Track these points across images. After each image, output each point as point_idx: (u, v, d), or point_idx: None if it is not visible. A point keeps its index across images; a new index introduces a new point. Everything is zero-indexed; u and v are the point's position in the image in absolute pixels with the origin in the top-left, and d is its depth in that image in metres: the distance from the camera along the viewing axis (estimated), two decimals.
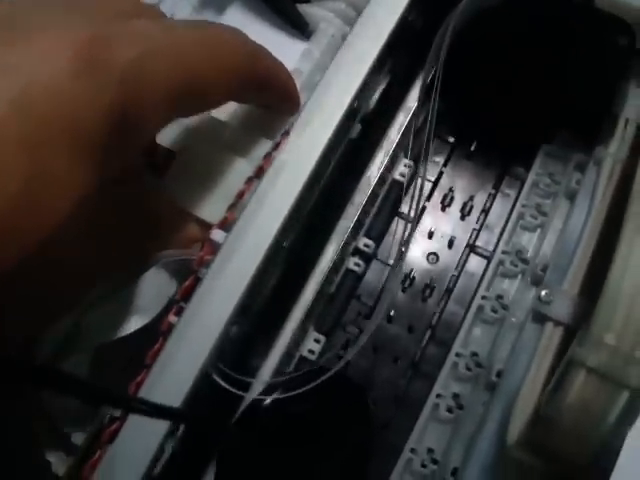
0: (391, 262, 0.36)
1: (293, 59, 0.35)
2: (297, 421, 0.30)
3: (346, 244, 0.34)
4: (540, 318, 0.32)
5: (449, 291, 0.35)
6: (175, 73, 0.21)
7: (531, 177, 0.35)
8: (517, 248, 0.34)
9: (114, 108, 0.19)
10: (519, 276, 0.34)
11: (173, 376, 0.25)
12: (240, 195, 0.28)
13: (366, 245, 0.35)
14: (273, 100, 0.29)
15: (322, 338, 0.33)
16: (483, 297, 0.34)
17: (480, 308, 0.34)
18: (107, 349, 0.28)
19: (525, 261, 0.34)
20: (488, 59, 0.35)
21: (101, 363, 0.28)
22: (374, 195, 0.35)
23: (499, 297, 0.34)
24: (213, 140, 0.29)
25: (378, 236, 0.35)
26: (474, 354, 0.33)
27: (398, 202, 0.36)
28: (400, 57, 0.34)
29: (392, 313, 0.35)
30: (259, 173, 0.28)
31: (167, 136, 0.29)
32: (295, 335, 0.32)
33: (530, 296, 0.33)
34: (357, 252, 0.35)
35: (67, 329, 0.27)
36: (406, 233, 0.35)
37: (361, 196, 0.34)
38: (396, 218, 0.36)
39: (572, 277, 0.32)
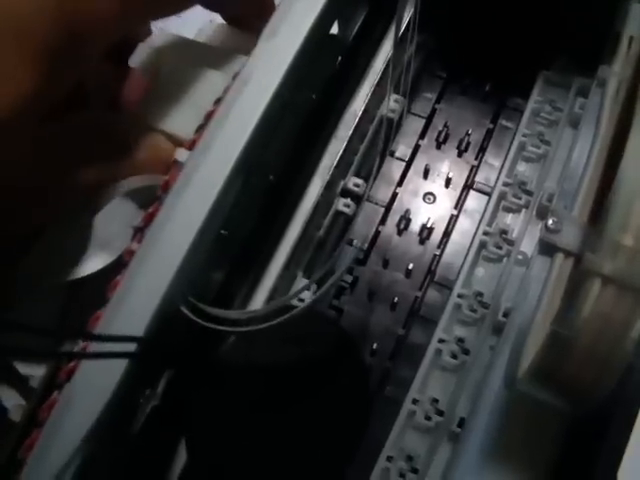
0: (385, 203, 0.33)
1: None
2: (280, 378, 0.27)
3: (332, 183, 0.31)
4: (548, 250, 0.29)
5: (448, 232, 0.33)
6: None
7: (530, 105, 0.33)
8: (520, 180, 0.31)
9: (60, 13, 0.20)
10: (523, 210, 0.31)
11: (132, 308, 0.22)
12: (208, 116, 0.26)
13: (356, 185, 0.32)
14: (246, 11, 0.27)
15: (312, 286, 0.30)
16: (485, 233, 0.31)
17: (483, 245, 0.31)
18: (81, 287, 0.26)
19: (529, 193, 0.31)
20: None
21: (76, 302, 0.26)
22: (362, 132, 0.32)
23: (503, 232, 0.31)
24: (186, 58, 0.27)
25: (369, 176, 0.32)
26: (478, 294, 0.30)
27: (389, 140, 0.33)
28: None
29: (387, 257, 0.32)
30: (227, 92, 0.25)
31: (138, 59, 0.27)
32: (280, 280, 0.29)
33: (536, 230, 0.30)
34: (347, 193, 0.32)
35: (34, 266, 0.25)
36: (399, 172, 0.33)
37: (345, 130, 0.31)
38: (388, 157, 0.34)
39: (581, 204, 0.29)
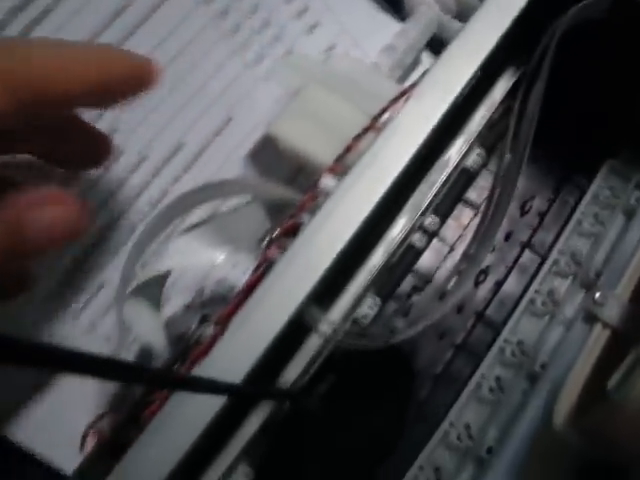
0: (450, 243, 0.37)
1: (387, 37, 0.36)
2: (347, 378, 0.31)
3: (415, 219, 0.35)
4: (590, 319, 0.34)
5: (500, 281, 0.37)
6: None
7: (593, 188, 0.37)
8: (572, 250, 0.36)
9: None
10: (570, 277, 0.36)
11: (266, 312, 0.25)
12: (348, 149, 0.29)
13: (432, 223, 0.36)
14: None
15: (378, 305, 0.34)
16: (536, 291, 0.35)
17: (532, 301, 0.35)
18: None
19: (579, 264, 0.36)
20: (576, 67, 0.37)
21: None
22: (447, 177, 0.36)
23: (550, 293, 0.35)
24: (332, 88, 0.30)
25: (442, 216, 0.36)
26: (520, 342, 0.34)
27: (466, 188, 0.37)
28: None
29: (443, 291, 0.36)
30: (370, 130, 0.29)
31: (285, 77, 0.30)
32: (355, 300, 0.33)
33: (579, 298, 0.35)
34: (421, 228, 0.36)
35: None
36: (467, 218, 0.37)
37: (436, 175, 0.35)
38: (460, 203, 0.37)
39: (625, 284, 0.34)
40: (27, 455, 0.32)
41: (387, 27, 0.37)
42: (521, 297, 0.35)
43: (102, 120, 0.32)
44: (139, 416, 0.24)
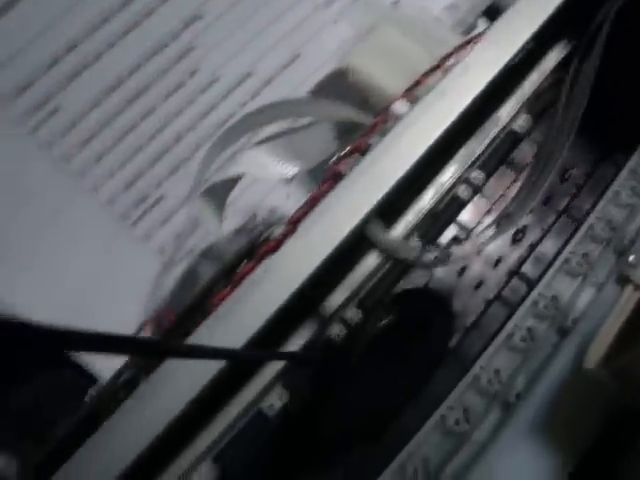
0: (493, 200, 0.38)
1: None
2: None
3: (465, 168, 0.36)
4: (622, 281, 0.35)
5: (536, 242, 0.38)
6: None
7: (630, 164, 0.39)
8: (608, 218, 0.37)
9: None
10: (604, 242, 0.37)
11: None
12: (417, 83, 0.30)
13: (477, 178, 0.37)
14: None
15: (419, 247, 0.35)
16: (571, 252, 0.37)
17: (566, 261, 0.36)
18: None
19: (614, 230, 0.37)
20: (627, 46, 0.38)
21: None
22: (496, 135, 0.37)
23: (585, 255, 0.37)
24: (403, 30, 0.31)
25: (487, 174, 0.37)
26: (554, 297, 0.36)
27: (511, 150, 0.38)
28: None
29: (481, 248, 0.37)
30: (438, 69, 0.30)
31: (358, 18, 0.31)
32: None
33: (611, 262, 0.36)
34: (467, 181, 0.37)
35: None
36: (510, 181, 0.38)
37: (486, 132, 0.37)
38: (504, 165, 0.39)
39: None
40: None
41: None
42: (556, 257, 0.37)
43: (179, 39, 0.33)
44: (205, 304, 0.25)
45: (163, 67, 0.32)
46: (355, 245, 0.28)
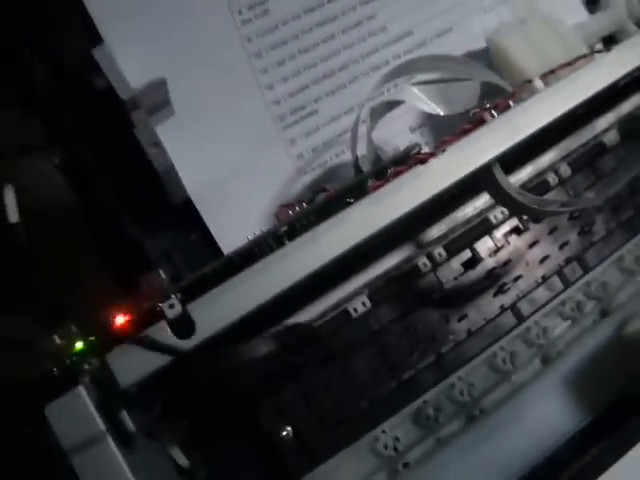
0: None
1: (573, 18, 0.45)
2: None
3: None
4: None
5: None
6: None
7: None
8: None
9: None
10: None
11: None
12: (551, 72, 0.37)
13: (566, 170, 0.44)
14: None
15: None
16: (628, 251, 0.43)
17: (621, 257, 0.43)
18: None
19: None
20: None
21: None
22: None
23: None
24: (550, 26, 0.38)
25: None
26: (604, 283, 0.42)
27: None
28: None
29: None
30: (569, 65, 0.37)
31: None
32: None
33: None
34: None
35: None
36: None
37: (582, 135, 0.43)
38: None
39: None
40: None
41: (577, 12, 0.46)
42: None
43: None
44: None
45: (350, 5, 0.38)
46: (477, 183, 0.34)
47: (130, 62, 0.36)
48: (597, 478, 0.33)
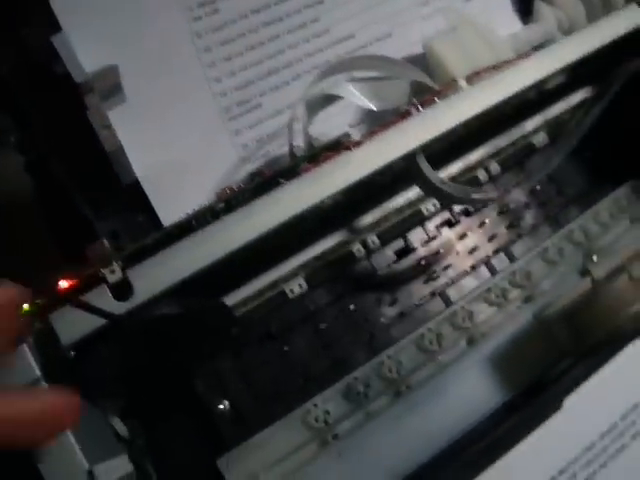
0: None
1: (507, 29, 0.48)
2: None
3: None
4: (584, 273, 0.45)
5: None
6: None
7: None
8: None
9: None
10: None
11: None
12: (476, 73, 0.40)
13: (495, 168, 0.47)
14: None
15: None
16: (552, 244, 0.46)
17: (545, 249, 0.46)
18: None
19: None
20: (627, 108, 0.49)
21: None
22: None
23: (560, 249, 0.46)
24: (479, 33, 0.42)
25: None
26: (528, 273, 0.45)
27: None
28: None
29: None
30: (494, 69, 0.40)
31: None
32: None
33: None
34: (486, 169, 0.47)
35: None
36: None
37: (511, 134, 0.47)
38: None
39: None
40: None
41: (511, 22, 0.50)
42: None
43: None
44: None
45: (295, 8, 0.42)
46: (404, 173, 0.37)
47: (86, 50, 0.38)
48: (509, 450, 0.36)
